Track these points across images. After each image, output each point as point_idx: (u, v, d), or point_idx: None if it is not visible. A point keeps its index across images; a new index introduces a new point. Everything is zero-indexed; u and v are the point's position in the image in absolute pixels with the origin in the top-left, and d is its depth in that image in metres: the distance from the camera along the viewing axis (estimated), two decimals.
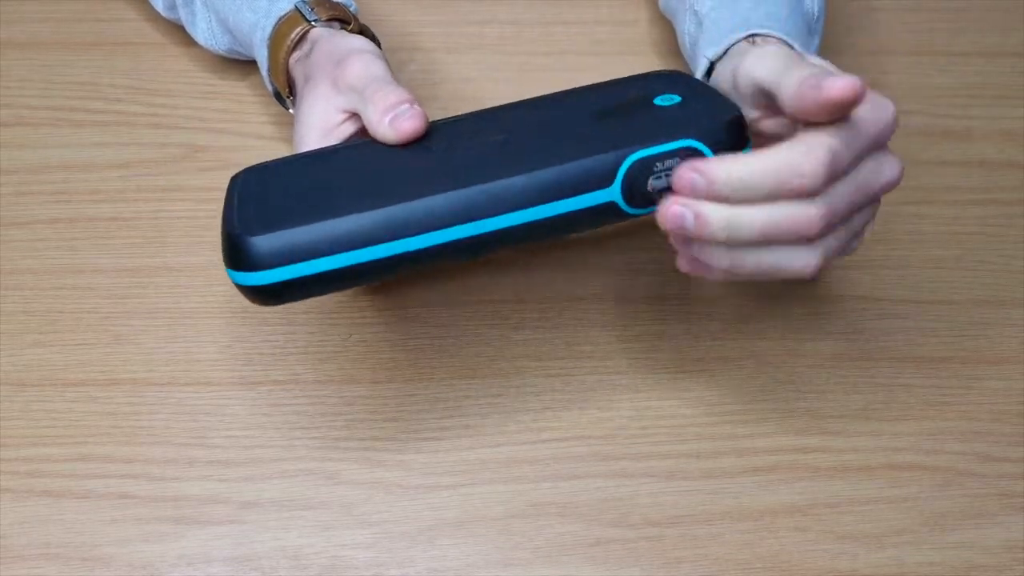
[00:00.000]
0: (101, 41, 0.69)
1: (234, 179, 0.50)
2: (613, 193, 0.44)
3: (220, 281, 0.62)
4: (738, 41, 0.54)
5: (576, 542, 0.56)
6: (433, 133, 0.50)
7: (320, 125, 0.53)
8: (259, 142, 0.68)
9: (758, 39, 0.53)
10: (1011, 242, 0.65)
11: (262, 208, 0.44)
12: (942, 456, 0.59)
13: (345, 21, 0.59)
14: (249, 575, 0.54)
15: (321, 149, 0.52)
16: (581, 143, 0.44)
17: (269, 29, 0.59)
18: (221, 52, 0.66)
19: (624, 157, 0.44)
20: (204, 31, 0.64)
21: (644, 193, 0.45)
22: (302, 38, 0.58)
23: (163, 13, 0.68)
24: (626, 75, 0.55)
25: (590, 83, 0.54)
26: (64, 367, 0.59)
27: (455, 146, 0.46)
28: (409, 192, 0.43)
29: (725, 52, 0.54)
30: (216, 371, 0.59)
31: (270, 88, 0.61)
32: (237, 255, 0.43)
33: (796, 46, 0.53)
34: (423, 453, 0.58)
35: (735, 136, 0.46)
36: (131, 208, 0.64)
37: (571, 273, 0.63)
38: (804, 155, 0.43)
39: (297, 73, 0.57)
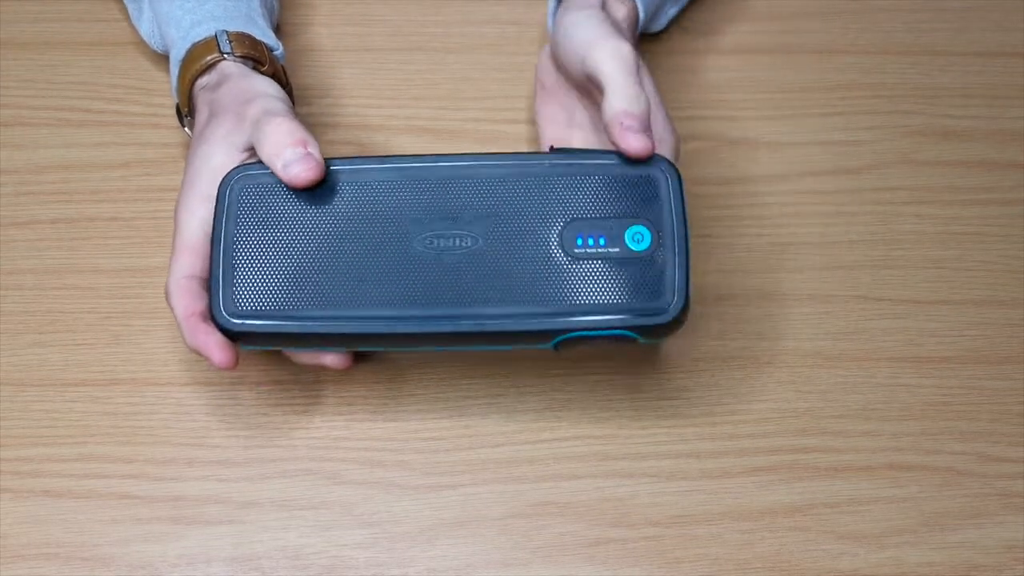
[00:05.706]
0: (101, 41, 0.69)
1: (228, 182, 0.53)
2: (547, 345, 0.51)
3: None
4: None
5: (576, 542, 0.56)
6: (409, 193, 0.52)
7: (218, 168, 0.54)
8: None
9: None
10: (1011, 242, 0.65)
11: (244, 275, 0.51)
12: (942, 456, 0.59)
13: (259, 62, 0.60)
14: (249, 575, 0.54)
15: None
16: (535, 300, 0.50)
17: (183, 52, 0.60)
18: (159, 51, 0.66)
19: (563, 332, 0.50)
20: (147, 28, 0.65)
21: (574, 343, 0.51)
22: (211, 67, 0.59)
23: None
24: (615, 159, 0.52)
25: (578, 162, 0.52)
26: (64, 367, 0.59)
27: (429, 247, 0.51)
28: (378, 304, 0.50)
29: None
30: (216, 371, 0.59)
31: (174, 99, 0.62)
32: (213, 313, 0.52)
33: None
34: (423, 453, 0.58)
35: (672, 328, 0.51)
36: (131, 208, 0.64)
37: None
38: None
39: (201, 102, 0.58)
